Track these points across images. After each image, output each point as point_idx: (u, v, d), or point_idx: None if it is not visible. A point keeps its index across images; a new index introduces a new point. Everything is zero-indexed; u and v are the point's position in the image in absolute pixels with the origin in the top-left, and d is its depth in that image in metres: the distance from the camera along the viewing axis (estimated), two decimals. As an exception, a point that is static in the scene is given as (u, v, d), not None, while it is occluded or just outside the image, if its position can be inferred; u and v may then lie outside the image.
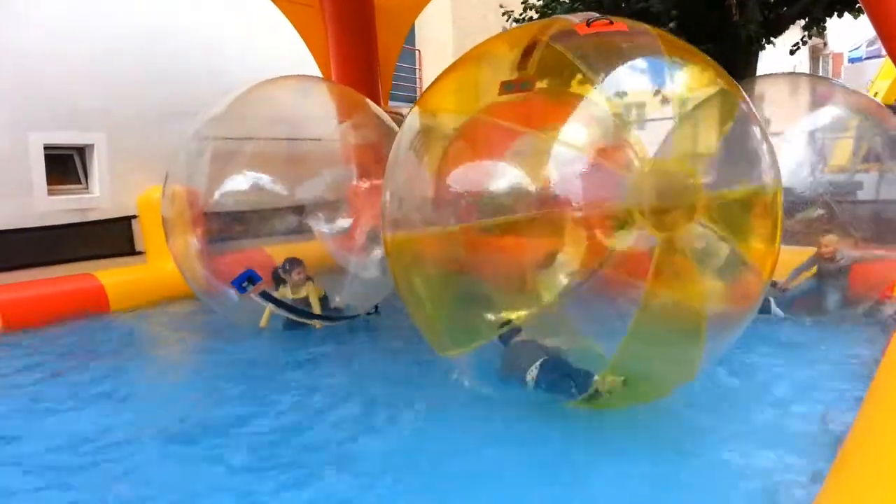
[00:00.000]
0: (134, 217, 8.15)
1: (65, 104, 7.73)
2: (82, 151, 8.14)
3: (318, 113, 6.38)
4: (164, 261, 7.60)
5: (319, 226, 6.29)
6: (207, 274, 5.65)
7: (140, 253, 8.09)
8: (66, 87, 7.71)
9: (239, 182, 5.76)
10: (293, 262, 5.86)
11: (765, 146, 3.36)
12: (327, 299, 6.04)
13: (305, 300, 5.85)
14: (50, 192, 7.63)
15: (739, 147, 3.37)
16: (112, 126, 8.14)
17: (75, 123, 7.87)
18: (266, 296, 5.51)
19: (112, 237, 8.04)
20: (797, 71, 26.09)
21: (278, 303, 5.61)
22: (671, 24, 9.17)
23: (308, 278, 5.91)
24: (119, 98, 8.18)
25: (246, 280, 5.36)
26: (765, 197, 3.31)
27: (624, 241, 3.17)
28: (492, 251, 3.60)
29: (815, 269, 5.88)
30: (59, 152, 7.93)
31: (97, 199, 8.09)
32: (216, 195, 5.68)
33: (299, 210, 6.20)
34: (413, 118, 3.89)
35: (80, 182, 8.17)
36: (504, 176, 3.35)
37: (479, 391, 3.98)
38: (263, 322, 5.81)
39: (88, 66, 7.89)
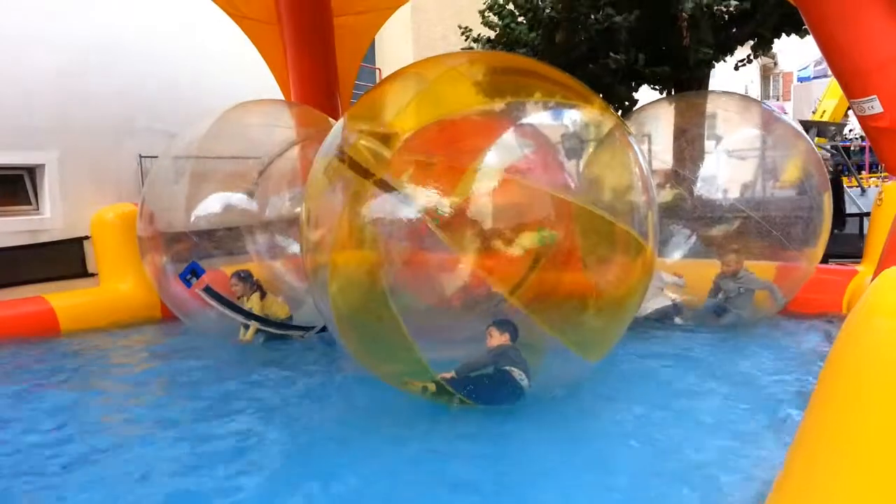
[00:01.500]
0: (86, 238, 7.95)
1: (14, 123, 7.54)
2: (33, 172, 7.94)
3: (287, 135, 6.53)
4: (117, 282, 7.45)
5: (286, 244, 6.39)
6: (180, 292, 5.76)
7: (93, 275, 7.89)
8: (16, 105, 7.52)
9: (211, 203, 5.97)
10: (234, 274, 5.89)
11: (639, 175, 3.94)
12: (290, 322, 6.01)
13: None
14: (-2, 214, 7.43)
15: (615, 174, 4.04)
16: (64, 145, 7.95)
17: (25, 143, 7.68)
18: (210, 292, 5.51)
19: (64, 259, 7.83)
20: (748, 90, 26.97)
21: (223, 301, 5.60)
22: (618, 56, 9.37)
23: (255, 291, 5.89)
24: (71, 117, 8.01)
25: (189, 273, 5.39)
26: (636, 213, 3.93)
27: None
28: (416, 268, 3.78)
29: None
30: (9, 173, 7.73)
31: (48, 220, 7.88)
32: (188, 215, 5.86)
33: (269, 229, 6.35)
34: (334, 137, 3.95)
35: (30, 203, 7.96)
36: (423, 196, 3.53)
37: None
38: (248, 336, 5.80)
39: (39, 84, 7.72)
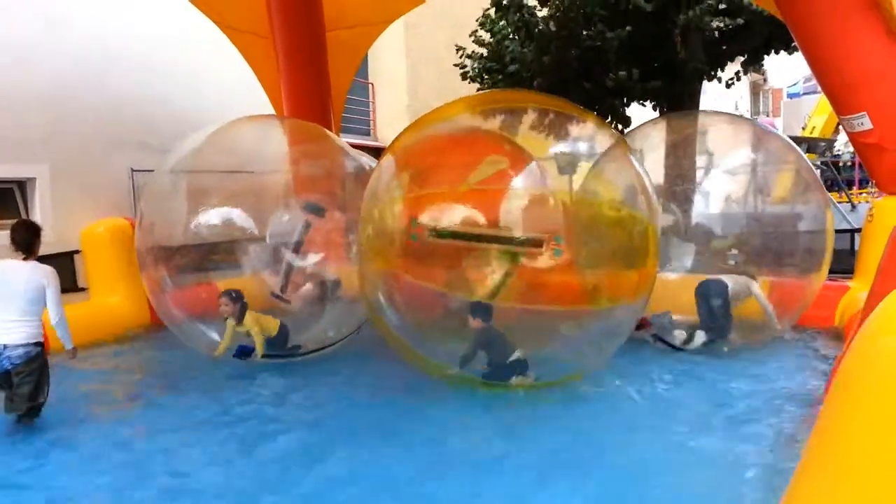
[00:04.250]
0: (77, 252, 7.87)
1: (5, 136, 7.49)
2: (23, 185, 7.89)
3: (282, 150, 6.63)
4: (108, 297, 7.37)
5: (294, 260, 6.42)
6: (174, 305, 5.81)
7: (83, 289, 7.81)
8: (7, 118, 7.48)
9: (206, 217, 5.94)
10: (224, 293, 5.72)
11: (641, 191, 4.30)
12: (284, 332, 5.90)
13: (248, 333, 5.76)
14: (-13, 228, 7.34)
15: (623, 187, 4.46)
16: (55, 159, 7.91)
17: (16, 156, 7.62)
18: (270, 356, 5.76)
19: (54, 273, 7.73)
20: (738, 106, 27.21)
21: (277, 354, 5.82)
22: (616, 72, 9.43)
23: (244, 311, 5.74)
24: (62, 130, 7.98)
25: (241, 354, 5.65)
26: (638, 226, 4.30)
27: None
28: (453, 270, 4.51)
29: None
30: (-1, 186, 7.69)
31: (38, 233, 7.80)
32: (183, 228, 5.86)
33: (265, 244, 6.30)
34: (389, 159, 4.58)
35: (20, 216, 7.89)
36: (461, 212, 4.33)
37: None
38: (219, 351, 5.70)
39: (31, 97, 7.69)
